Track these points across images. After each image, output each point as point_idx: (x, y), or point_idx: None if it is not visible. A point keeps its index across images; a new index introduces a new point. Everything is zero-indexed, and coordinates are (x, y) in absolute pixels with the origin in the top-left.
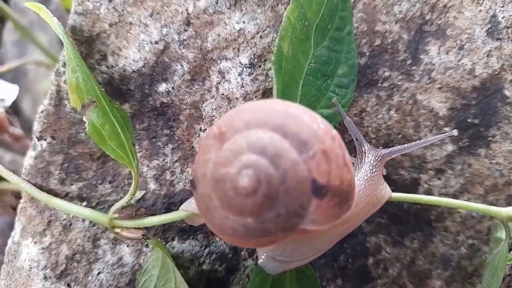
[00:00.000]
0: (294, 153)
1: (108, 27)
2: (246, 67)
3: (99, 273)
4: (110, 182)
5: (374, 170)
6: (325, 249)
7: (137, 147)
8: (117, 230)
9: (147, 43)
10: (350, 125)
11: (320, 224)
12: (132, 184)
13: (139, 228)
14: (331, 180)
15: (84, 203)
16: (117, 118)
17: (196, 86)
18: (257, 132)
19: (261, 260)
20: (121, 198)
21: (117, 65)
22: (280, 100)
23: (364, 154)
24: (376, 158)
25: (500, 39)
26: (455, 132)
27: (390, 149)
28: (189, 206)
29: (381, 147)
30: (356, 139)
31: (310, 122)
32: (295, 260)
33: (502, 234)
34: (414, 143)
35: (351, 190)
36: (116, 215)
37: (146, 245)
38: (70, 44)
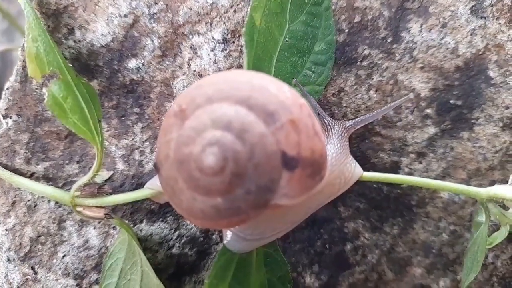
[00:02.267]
0: (261, 125)
1: None
2: (219, 43)
3: (64, 256)
4: (77, 162)
5: (342, 140)
6: (299, 221)
7: (105, 126)
8: (79, 209)
9: (116, 17)
10: (311, 99)
11: (293, 197)
12: (95, 161)
13: (101, 207)
14: (301, 151)
15: (50, 184)
16: (82, 92)
17: (167, 62)
18: (221, 106)
19: (227, 240)
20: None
21: (84, 40)
22: (243, 70)
23: (329, 127)
24: (342, 129)
25: (485, 18)
26: (411, 95)
27: (353, 120)
28: (155, 184)
29: (345, 119)
30: (318, 114)
31: (277, 92)
32: (267, 236)
33: (482, 218)
34: (375, 112)
35: (323, 160)
36: (78, 193)
37: (114, 227)
38: (32, 13)
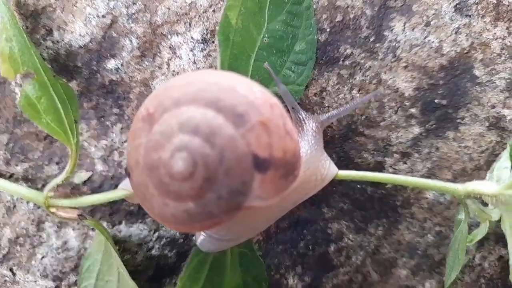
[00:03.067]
0: (230, 128)
1: (53, 0)
2: (198, 43)
3: (43, 257)
4: (57, 163)
5: (317, 136)
6: (275, 219)
7: (85, 127)
8: (53, 209)
9: (94, 17)
10: (286, 93)
11: (266, 199)
12: (69, 162)
13: (75, 208)
14: (273, 152)
15: (29, 185)
16: (59, 93)
17: (146, 63)
18: (188, 109)
19: (200, 241)
20: (71, 181)
21: (63, 40)
22: (211, 70)
23: (303, 122)
24: (316, 124)
25: (469, 16)
26: (381, 90)
27: (328, 113)
28: (128, 185)
29: (318, 113)
30: (292, 108)
31: (246, 92)
32: (242, 236)
33: (463, 215)
34: (348, 105)
35: (295, 159)
36: (52, 194)
37: (93, 228)
38: (8, 13)
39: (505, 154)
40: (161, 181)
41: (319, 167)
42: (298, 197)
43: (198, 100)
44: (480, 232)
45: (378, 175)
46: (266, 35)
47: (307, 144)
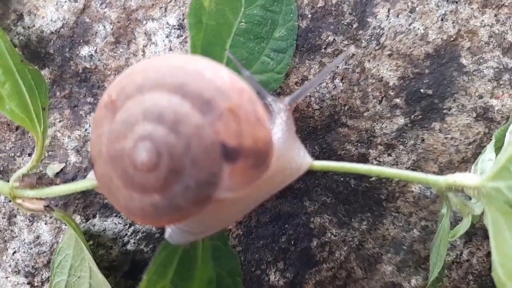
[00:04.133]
0: (196, 115)
1: None
2: (174, 29)
3: (14, 253)
4: (29, 155)
5: (288, 122)
6: (249, 210)
7: (58, 116)
8: (19, 200)
9: (66, 1)
10: (251, 79)
11: (237, 190)
12: (35, 151)
13: (41, 199)
14: (242, 140)
15: (1, 177)
16: (26, 79)
17: (121, 50)
18: (152, 96)
19: (169, 233)
20: (41, 171)
21: (34, 26)
22: (178, 54)
23: (270, 106)
24: (284, 108)
25: (456, 2)
26: (352, 48)
27: (291, 95)
28: None
29: (283, 96)
30: (258, 93)
31: (213, 76)
32: (214, 228)
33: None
34: (311, 80)
35: (267, 148)
36: (17, 184)
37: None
38: None
39: (490, 146)
40: (125, 173)
41: (293, 156)
42: (272, 186)
43: (163, 86)
44: (463, 227)
45: (356, 166)
46: (243, 20)
47: (279, 129)
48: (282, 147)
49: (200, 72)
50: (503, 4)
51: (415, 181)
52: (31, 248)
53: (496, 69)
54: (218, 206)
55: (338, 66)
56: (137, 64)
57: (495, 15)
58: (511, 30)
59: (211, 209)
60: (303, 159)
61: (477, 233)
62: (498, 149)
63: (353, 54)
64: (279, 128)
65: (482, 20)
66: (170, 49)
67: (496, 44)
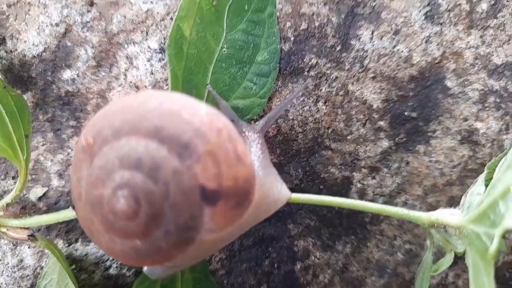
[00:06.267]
0: (175, 160)
1: (6, 8)
2: (155, 52)
3: None
4: (13, 178)
5: (262, 147)
6: (232, 240)
7: (41, 140)
8: (3, 229)
9: (47, 26)
10: (227, 108)
11: (219, 230)
12: (19, 179)
13: (25, 228)
14: (222, 182)
15: None
16: (9, 106)
17: (103, 73)
18: (129, 141)
19: (147, 268)
20: (24, 195)
21: (16, 50)
22: (153, 92)
23: (245, 134)
24: (257, 133)
25: (441, 24)
26: (310, 81)
27: (261, 120)
28: None
29: (254, 122)
30: (233, 120)
31: (190, 117)
32: (193, 262)
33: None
34: (280, 105)
35: (249, 184)
36: (1, 214)
37: None
38: None
39: (481, 178)
40: (105, 218)
41: (272, 183)
42: (254, 218)
43: (139, 130)
44: (445, 263)
45: (334, 199)
46: (225, 46)
47: (256, 158)
48: (262, 176)
49: (177, 113)
50: (489, 26)
51: (398, 216)
52: (15, 272)
53: (481, 92)
54: (200, 245)
55: (321, 89)
56: (113, 103)
57: (481, 36)
58: (496, 51)
59: (193, 248)
60: (281, 191)
61: (463, 256)
62: (489, 180)
63: (337, 77)
64: (256, 157)
65: (468, 42)
66: (152, 73)
67: (481, 66)
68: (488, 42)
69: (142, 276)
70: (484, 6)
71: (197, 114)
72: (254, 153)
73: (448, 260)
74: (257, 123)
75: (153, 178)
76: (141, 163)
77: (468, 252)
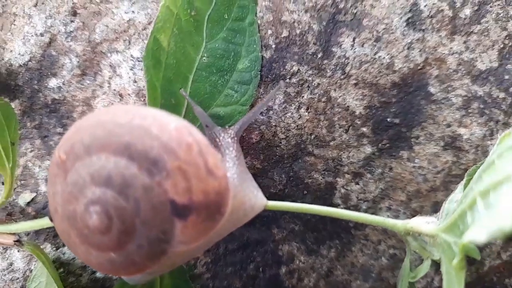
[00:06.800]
0: (144, 177)
1: None
2: (138, 61)
3: None
4: (3, 183)
5: (237, 151)
6: (209, 247)
7: (29, 146)
8: None
9: (32, 36)
10: (201, 114)
11: (191, 242)
12: (4, 188)
13: (12, 234)
14: (192, 197)
15: None
16: None
17: (88, 81)
18: (99, 158)
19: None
20: (13, 200)
21: (2, 59)
22: (124, 107)
23: (219, 138)
24: (232, 137)
25: (423, 30)
26: (282, 84)
27: (235, 125)
28: None
29: (227, 127)
30: (207, 126)
31: (160, 133)
32: (174, 267)
33: None
34: (253, 109)
35: (220, 197)
36: None
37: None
38: None
39: (460, 185)
40: (81, 232)
41: (248, 194)
42: (229, 226)
43: (109, 146)
44: (423, 270)
45: (311, 207)
46: (205, 55)
47: (231, 164)
48: (237, 184)
49: (147, 129)
50: (472, 31)
51: (374, 223)
52: (5, 275)
53: (464, 97)
54: (173, 256)
55: (303, 96)
56: (86, 118)
57: (464, 42)
58: (481, 57)
59: (167, 258)
60: (257, 197)
61: None
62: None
63: (319, 84)
64: (231, 163)
65: (451, 48)
66: (135, 81)
67: (465, 71)
68: (472, 48)
69: (121, 282)
70: (467, 11)
71: (166, 129)
72: (229, 158)
73: (425, 267)
74: (231, 127)
75: (124, 195)
76: (112, 180)
77: (442, 260)
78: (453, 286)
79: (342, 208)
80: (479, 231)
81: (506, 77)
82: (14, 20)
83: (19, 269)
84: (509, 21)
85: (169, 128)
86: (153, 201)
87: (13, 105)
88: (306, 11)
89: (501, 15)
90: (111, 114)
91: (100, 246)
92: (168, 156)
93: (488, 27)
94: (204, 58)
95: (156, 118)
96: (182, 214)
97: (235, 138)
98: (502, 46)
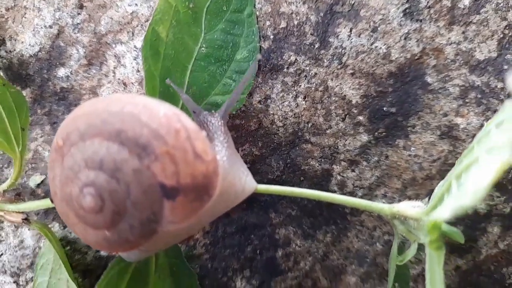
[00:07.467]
0: (134, 161)
1: (5, 11)
2: (141, 51)
3: (1, 255)
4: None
5: (226, 134)
6: (201, 228)
7: (39, 132)
8: (1, 213)
9: (42, 28)
10: (187, 101)
11: (180, 222)
12: (14, 170)
13: (20, 212)
14: (180, 179)
15: None
16: (7, 102)
17: (94, 71)
18: (93, 143)
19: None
20: (25, 182)
21: (14, 50)
22: (118, 96)
23: (207, 122)
24: (219, 120)
25: (420, 20)
26: (259, 57)
27: (220, 109)
28: None
29: (213, 112)
30: (194, 112)
31: (149, 120)
32: (168, 245)
33: None
34: (237, 87)
35: (208, 179)
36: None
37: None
38: None
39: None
40: (77, 212)
41: (237, 176)
42: (219, 208)
43: (102, 133)
44: (410, 253)
45: (302, 190)
46: (204, 45)
47: (220, 143)
48: (227, 166)
49: (137, 116)
50: (471, 21)
51: (361, 207)
52: (16, 251)
53: (462, 87)
54: (164, 235)
55: (300, 85)
56: (82, 106)
57: (463, 32)
58: (479, 47)
59: (159, 237)
60: (246, 181)
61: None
62: None
63: (316, 73)
64: (220, 147)
65: (449, 38)
66: (138, 71)
67: (463, 61)
68: (471, 38)
69: (117, 259)
70: (466, 2)
71: (156, 116)
72: (218, 141)
73: (412, 250)
74: (218, 111)
75: (115, 178)
76: (104, 164)
77: (426, 244)
78: (434, 267)
79: (339, 192)
80: (444, 209)
81: (505, 67)
82: (25, 13)
83: (29, 246)
84: (509, 11)
85: (159, 115)
86: (142, 183)
87: (24, 93)
88: (304, 2)
89: (501, 5)
90: (105, 103)
91: (95, 225)
92: (156, 142)
93: (488, 17)
94: (202, 48)
95: (146, 106)
96: (171, 195)
97: (222, 122)
98: (501, 36)
